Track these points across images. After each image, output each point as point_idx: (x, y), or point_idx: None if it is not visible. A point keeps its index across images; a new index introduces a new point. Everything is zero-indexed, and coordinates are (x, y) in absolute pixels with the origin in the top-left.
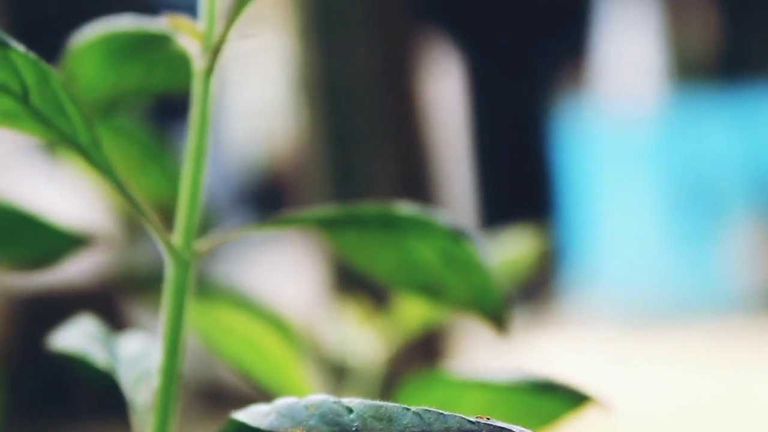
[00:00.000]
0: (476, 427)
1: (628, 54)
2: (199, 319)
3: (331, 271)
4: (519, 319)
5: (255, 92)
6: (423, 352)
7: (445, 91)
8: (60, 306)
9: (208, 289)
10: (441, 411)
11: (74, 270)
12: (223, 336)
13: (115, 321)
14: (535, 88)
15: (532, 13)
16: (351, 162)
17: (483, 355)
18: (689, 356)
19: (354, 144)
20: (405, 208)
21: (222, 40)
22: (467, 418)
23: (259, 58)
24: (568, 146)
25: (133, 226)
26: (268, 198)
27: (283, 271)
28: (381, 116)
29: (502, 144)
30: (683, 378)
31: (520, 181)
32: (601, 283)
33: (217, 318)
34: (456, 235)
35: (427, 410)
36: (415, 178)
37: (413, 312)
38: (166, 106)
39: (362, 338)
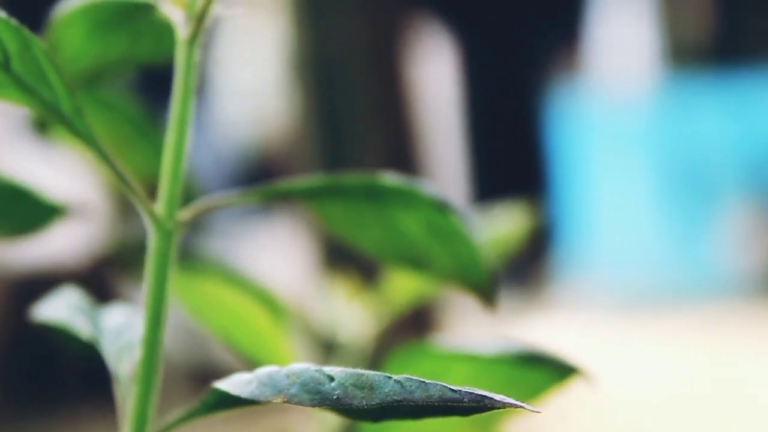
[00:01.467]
0: (458, 396)
1: (622, 37)
2: (185, 291)
3: (320, 246)
4: (511, 302)
5: (248, 72)
6: (413, 327)
7: (436, 73)
8: (50, 285)
9: (195, 262)
10: (423, 379)
11: (65, 249)
12: (209, 309)
13: (107, 300)
14: (528, 71)
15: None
16: (342, 141)
17: (473, 335)
18: (682, 341)
19: (345, 123)
20: (390, 178)
21: (205, 8)
22: (449, 386)
23: (252, 37)
24: (562, 129)
25: (125, 202)
26: (260, 178)
27: (274, 246)
28: (372, 96)
29: (495, 126)
30: (676, 363)
31: (513, 163)
32: (594, 266)
33: (203, 290)
34: (441, 206)
35: (408, 378)
36: (406, 157)
37: (402, 286)
38: (153, 78)
39: (351, 313)
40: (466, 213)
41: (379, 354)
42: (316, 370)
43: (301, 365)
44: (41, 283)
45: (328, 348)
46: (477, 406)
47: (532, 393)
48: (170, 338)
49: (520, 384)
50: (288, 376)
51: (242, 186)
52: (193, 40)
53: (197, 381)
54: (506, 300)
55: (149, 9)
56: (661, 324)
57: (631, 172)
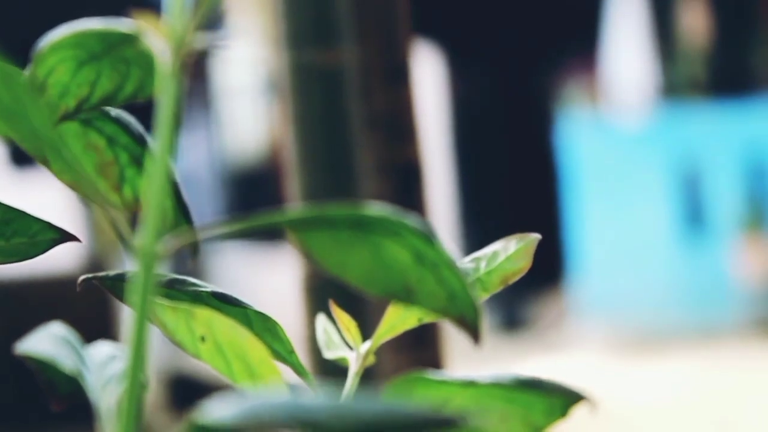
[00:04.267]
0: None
1: (626, 67)
2: (172, 319)
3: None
4: (514, 342)
5: (253, 77)
6: (413, 347)
7: (435, 98)
8: (53, 295)
9: (183, 287)
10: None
11: (68, 261)
12: (197, 337)
13: (107, 312)
14: (531, 102)
15: (535, 26)
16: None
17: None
18: (688, 378)
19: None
20: (376, 208)
21: (187, 38)
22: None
23: (255, 42)
24: (567, 163)
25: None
26: (266, 181)
27: (274, 265)
28: (368, 113)
29: (501, 157)
30: (679, 398)
31: (517, 195)
32: (597, 304)
33: (194, 321)
34: (428, 237)
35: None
36: (403, 177)
37: (398, 310)
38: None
39: (347, 332)
40: (449, 243)
41: (375, 374)
42: (296, 399)
43: (283, 392)
44: (45, 292)
45: (323, 368)
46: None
47: (533, 420)
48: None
49: (521, 411)
50: (268, 404)
51: (246, 188)
52: (175, 70)
53: (177, 387)
54: (509, 340)
55: (135, 39)
56: (667, 360)
57: (635, 207)
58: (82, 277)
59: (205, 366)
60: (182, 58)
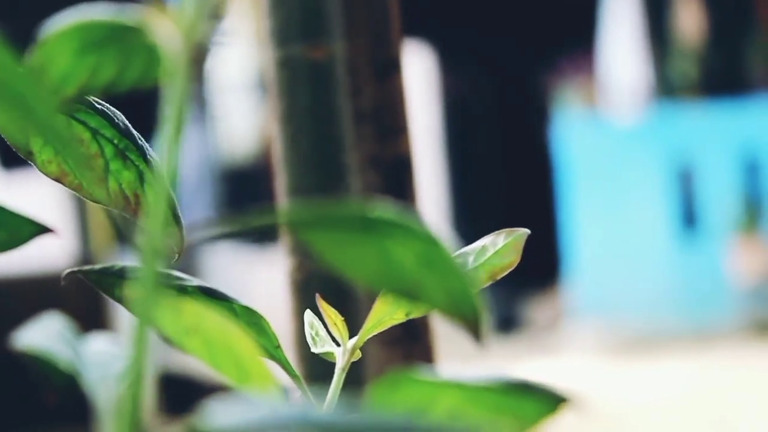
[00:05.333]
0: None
1: (621, 66)
2: (162, 313)
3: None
4: (510, 345)
5: (247, 74)
6: (402, 343)
7: (426, 94)
8: (46, 292)
9: (175, 283)
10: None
11: (62, 259)
12: (187, 332)
13: (99, 308)
14: (529, 100)
15: (530, 24)
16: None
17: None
18: (683, 380)
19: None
20: (382, 209)
21: (196, 26)
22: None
23: (248, 39)
24: (562, 162)
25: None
26: (259, 178)
27: (267, 264)
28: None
29: (495, 157)
30: (675, 399)
31: (512, 195)
32: (592, 304)
33: (181, 313)
34: (433, 238)
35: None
36: (400, 185)
37: (385, 305)
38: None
39: (334, 328)
40: (454, 244)
41: (364, 368)
42: (303, 411)
43: (283, 399)
44: (42, 287)
45: (313, 365)
46: None
47: (520, 422)
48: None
49: (509, 413)
50: (274, 414)
51: (245, 185)
52: (184, 62)
53: (167, 386)
54: (503, 341)
55: (140, 30)
56: (661, 362)
57: (629, 206)
58: (66, 271)
59: (196, 364)
60: (192, 46)
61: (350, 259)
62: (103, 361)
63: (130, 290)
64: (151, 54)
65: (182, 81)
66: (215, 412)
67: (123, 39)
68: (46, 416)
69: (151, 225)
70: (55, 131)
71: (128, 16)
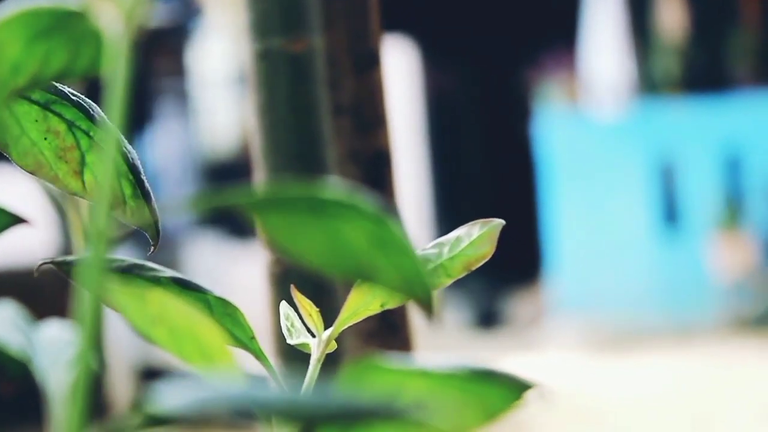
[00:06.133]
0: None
1: (603, 62)
2: (129, 303)
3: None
4: (493, 340)
5: (228, 68)
6: (380, 334)
7: (409, 88)
8: (30, 284)
9: (143, 273)
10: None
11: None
12: (153, 321)
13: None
14: (511, 96)
15: (512, 20)
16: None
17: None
18: (665, 376)
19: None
20: (332, 189)
21: (136, 10)
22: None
23: (229, 33)
24: (544, 158)
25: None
26: (241, 172)
27: (249, 258)
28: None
29: (477, 153)
30: (656, 395)
31: (494, 191)
32: (573, 300)
33: (147, 302)
34: (382, 218)
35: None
36: (374, 163)
37: (360, 296)
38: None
39: (309, 319)
40: (404, 224)
41: (337, 357)
42: (246, 389)
43: (237, 381)
44: (18, 281)
45: (287, 354)
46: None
47: (486, 409)
48: (115, 333)
49: (475, 400)
50: (217, 394)
51: (221, 177)
52: (125, 48)
53: (143, 376)
54: (485, 336)
55: (86, 16)
56: (643, 358)
57: (611, 203)
58: (39, 262)
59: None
60: (133, 30)
61: (301, 240)
62: (55, 347)
63: (78, 274)
64: (99, 41)
65: (124, 65)
66: (163, 393)
67: (70, 26)
68: (3, 407)
69: (96, 207)
70: (4, 126)
71: (73, 3)
